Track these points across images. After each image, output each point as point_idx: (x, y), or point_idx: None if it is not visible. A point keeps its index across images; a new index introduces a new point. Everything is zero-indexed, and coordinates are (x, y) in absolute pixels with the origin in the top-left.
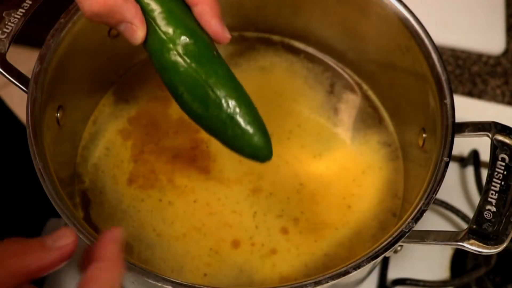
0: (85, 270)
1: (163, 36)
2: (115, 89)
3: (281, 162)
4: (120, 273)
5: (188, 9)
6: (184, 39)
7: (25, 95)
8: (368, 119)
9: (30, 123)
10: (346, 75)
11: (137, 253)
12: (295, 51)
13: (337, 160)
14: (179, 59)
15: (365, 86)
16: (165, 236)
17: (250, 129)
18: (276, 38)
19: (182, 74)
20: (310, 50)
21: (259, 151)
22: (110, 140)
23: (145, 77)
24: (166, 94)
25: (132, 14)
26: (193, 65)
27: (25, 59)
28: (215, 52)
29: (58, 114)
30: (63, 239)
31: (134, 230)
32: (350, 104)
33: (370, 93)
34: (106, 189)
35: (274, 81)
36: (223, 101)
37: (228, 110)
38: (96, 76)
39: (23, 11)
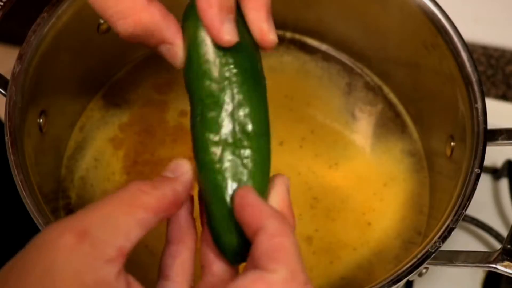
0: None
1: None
2: (105, 91)
3: (293, 173)
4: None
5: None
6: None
7: (4, 99)
8: (390, 124)
9: (9, 130)
10: (365, 76)
11: None
12: (308, 49)
13: (356, 170)
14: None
15: (386, 89)
16: (159, 254)
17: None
18: (286, 34)
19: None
20: (325, 47)
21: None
22: (99, 149)
23: (138, 78)
24: (163, 97)
25: (173, 32)
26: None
27: (3, 58)
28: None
29: (41, 120)
30: (180, 167)
31: None
32: (369, 108)
33: (392, 96)
34: None
35: (284, 83)
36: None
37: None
38: (84, 77)
39: (1, 3)
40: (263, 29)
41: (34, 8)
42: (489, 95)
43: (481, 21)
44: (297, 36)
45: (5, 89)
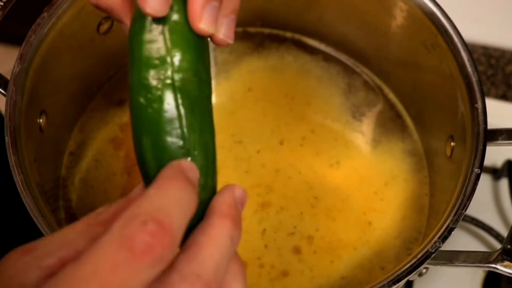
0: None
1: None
2: (105, 91)
3: (293, 173)
4: (236, 234)
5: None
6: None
7: (4, 99)
8: (390, 124)
9: (9, 130)
10: (365, 76)
11: None
12: (308, 49)
13: (357, 169)
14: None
15: (386, 89)
16: None
17: None
18: (287, 34)
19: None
20: (325, 48)
21: None
22: (99, 150)
23: None
24: None
25: None
26: None
27: (3, 58)
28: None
29: (41, 120)
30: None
31: None
32: (369, 107)
33: (392, 96)
34: (96, 206)
35: (285, 83)
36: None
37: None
38: (84, 77)
39: (1, 4)
40: (196, 12)
41: (34, 8)
42: (489, 95)
43: (481, 21)
44: (298, 36)
45: (5, 89)
